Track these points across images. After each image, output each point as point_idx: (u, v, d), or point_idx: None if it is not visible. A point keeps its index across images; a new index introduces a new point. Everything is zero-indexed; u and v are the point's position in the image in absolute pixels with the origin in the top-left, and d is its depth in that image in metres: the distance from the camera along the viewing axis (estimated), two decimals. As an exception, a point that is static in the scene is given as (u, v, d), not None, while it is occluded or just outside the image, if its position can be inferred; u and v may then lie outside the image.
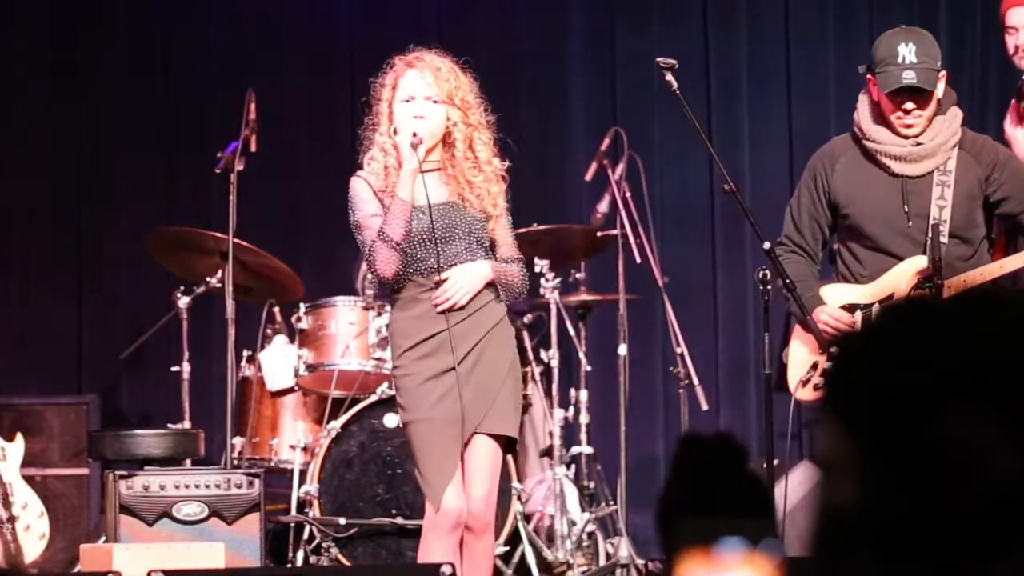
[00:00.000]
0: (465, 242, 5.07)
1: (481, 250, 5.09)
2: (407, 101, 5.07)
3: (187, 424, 7.14)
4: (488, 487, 5.03)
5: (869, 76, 5.68)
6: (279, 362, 6.98)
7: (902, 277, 5.54)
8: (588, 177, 7.32)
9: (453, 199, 5.08)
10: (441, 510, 4.95)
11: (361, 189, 5.07)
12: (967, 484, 1.35)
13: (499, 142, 5.22)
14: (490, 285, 5.08)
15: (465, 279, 5.03)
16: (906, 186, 5.65)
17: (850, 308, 5.57)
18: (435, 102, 5.07)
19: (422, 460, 5.00)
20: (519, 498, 6.65)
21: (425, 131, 5.03)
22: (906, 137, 5.64)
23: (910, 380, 1.39)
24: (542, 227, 7.12)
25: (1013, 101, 6.29)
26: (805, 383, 5.56)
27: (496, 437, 5.03)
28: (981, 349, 1.39)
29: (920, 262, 5.55)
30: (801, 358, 5.60)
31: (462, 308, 5.03)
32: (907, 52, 5.62)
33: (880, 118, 5.67)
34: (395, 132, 5.05)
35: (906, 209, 5.63)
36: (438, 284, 5.03)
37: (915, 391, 1.38)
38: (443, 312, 5.01)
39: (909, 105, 5.59)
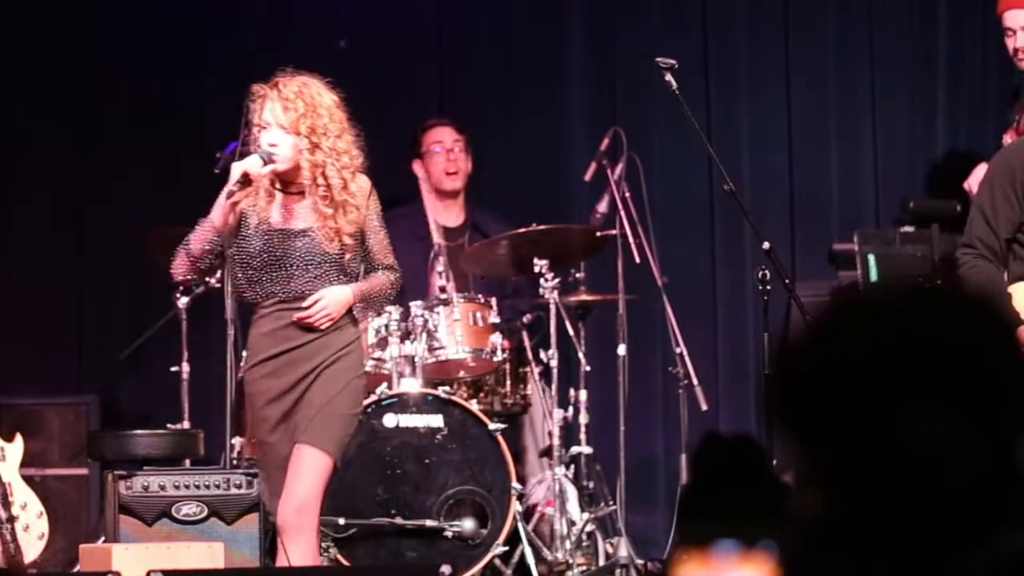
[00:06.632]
0: (318, 270, 5.28)
1: (341, 278, 5.29)
2: (263, 128, 5.28)
3: (186, 424, 7.13)
4: (295, 495, 5.23)
5: None
6: (279, 362, 6.98)
7: None
8: (588, 177, 7.32)
9: (310, 227, 5.26)
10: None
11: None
12: (930, 483, 1.34)
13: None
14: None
15: (331, 305, 5.26)
16: None
17: None
18: (285, 131, 5.24)
19: (265, 478, 5.41)
20: (518, 498, 6.65)
21: (277, 158, 5.25)
22: None
23: (862, 384, 1.38)
24: (541, 227, 7.12)
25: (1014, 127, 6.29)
26: None
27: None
28: (932, 348, 1.38)
29: None
30: None
31: (307, 329, 5.28)
32: None
33: None
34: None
35: None
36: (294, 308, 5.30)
37: (869, 394, 1.37)
38: (301, 329, 5.27)
39: None
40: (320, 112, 5.25)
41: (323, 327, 5.26)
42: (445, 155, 7.67)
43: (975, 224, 5.44)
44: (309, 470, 5.21)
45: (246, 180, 5.21)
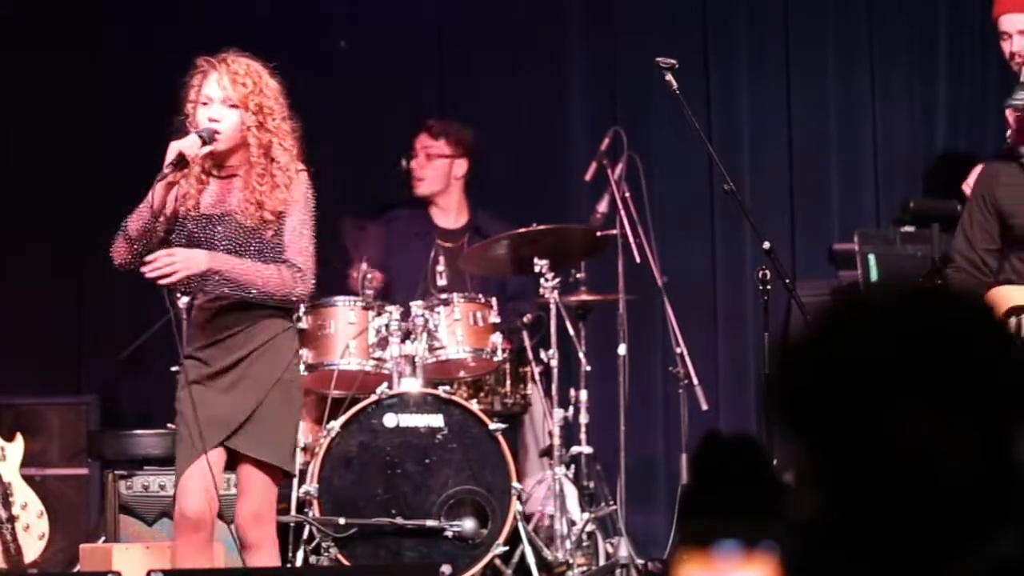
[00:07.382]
0: (233, 255, 5.11)
1: (254, 260, 5.11)
2: (205, 104, 5.16)
3: (187, 424, 7.13)
4: (249, 507, 5.17)
5: None
6: (279, 362, 6.97)
7: None
8: (588, 177, 7.33)
9: (232, 208, 5.13)
10: (178, 511, 5.17)
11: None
12: (929, 483, 1.34)
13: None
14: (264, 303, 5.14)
15: (176, 258, 5.07)
16: None
17: (1017, 309, 5.58)
18: (230, 106, 5.13)
19: (176, 458, 5.22)
20: (519, 498, 6.65)
21: (219, 136, 5.13)
22: None
23: (862, 383, 1.37)
24: (542, 227, 7.12)
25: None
26: None
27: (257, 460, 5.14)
28: (931, 348, 1.38)
29: None
30: None
31: (231, 322, 5.14)
32: None
33: None
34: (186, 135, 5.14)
35: None
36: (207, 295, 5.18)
37: (868, 394, 1.37)
38: (222, 325, 5.14)
39: None
40: (267, 92, 5.17)
41: (153, 276, 5.03)
42: (416, 161, 7.72)
43: (956, 239, 5.80)
44: (255, 484, 5.15)
45: (182, 161, 5.06)
